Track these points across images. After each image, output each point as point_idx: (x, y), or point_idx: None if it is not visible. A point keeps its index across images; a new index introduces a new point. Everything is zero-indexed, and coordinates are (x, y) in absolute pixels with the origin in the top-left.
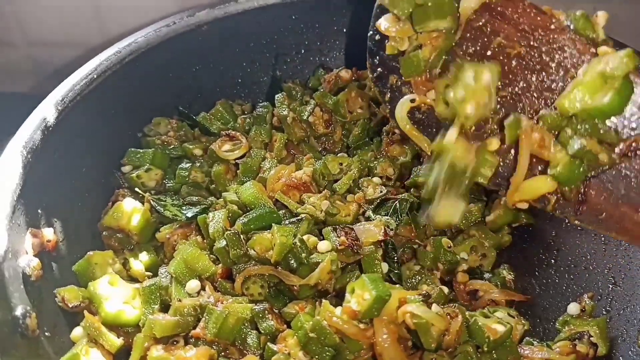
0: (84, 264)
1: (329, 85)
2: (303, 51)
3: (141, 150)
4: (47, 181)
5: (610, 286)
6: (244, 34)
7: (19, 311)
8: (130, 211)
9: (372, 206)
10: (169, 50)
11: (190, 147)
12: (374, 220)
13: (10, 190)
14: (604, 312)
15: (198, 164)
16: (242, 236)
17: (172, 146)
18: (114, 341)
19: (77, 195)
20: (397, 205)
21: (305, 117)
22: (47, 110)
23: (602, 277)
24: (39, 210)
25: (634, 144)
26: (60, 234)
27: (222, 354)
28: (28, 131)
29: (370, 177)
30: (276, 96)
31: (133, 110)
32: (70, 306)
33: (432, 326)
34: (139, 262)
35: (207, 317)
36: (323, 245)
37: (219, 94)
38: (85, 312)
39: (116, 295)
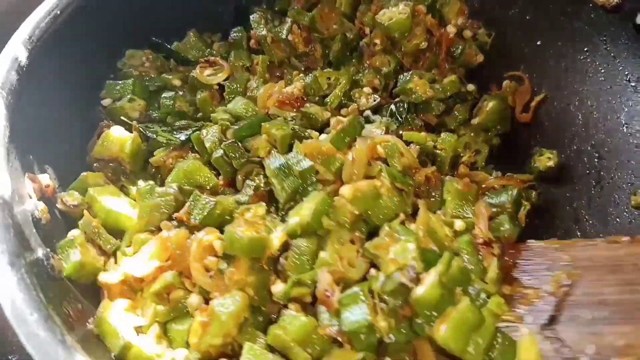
0: (79, 185)
1: (299, 3)
2: None
3: (120, 82)
4: (31, 123)
5: (596, 160)
6: None
7: (40, 253)
8: (120, 138)
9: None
10: None
11: (169, 77)
12: (374, 122)
13: (0, 132)
14: (594, 184)
15: (181, 93)
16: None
17: (149, 77)
18: (112, 241)
19: (63, 136)
20: (394, 108)
21: (284, 36)
22: (17, 50)
23: (587, 155)
24: (30, 156)
25: None
26: (55, 181)
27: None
28: (2, 72)
29: (360, 89)
30: (251, 17)
31: (105, 44)
32: (69, 204)
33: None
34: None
35: (192, 203)
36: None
37: (189, 25)
38: (85, 212)
39: (114, 201)
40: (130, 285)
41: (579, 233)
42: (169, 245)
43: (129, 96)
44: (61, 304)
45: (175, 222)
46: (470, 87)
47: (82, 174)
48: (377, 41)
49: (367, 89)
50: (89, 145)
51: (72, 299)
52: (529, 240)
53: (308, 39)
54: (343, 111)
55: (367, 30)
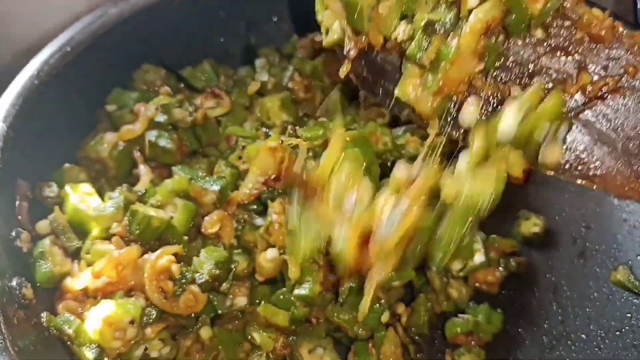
0: (59, 176)
1: (304, 51)
2: (275, 18)
3: (127, 92)
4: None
5: (583, 229)
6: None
7: (14, 282)
8: (111, 142)
9: None
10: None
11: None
12: None
13: None
14: (578, 254)
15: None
16: None
17: (155, 94)
18: (74, 239)
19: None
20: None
21: (284, 84)
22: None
23: (575, 223)
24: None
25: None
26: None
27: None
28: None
29: None
30: (256, 61)
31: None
32: (45, 195)
33: None
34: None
35: (129, 217)
36: None
37: (201, 56)
38: (56, 207)
39: (87, 202)
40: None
41: (554, 304)
42: (119, 265)
43: (132, 107)
44: (24, 331)
45: None
46: None
47: (65, 164)
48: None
49: None
50: (82, 142)
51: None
52: None
53: (308, 86)
54: None
55: None
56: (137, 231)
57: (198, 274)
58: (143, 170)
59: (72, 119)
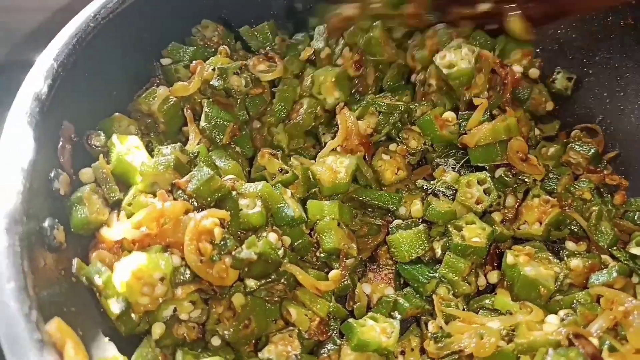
0: (108, 124)
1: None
2: None
3: (184, 46)
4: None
5: None
6: None
7: (47, 222)
8: (163, 96)
9: None
10: None
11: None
12: None
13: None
14: None
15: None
16: None
17: (211, 50)
18: (116, 190)
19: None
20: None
21: (334, 61)
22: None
23: None
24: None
25: None
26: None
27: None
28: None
29: (410, 128)
30: (316, 28)
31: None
32: (92, 144)
33: None
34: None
35: (195, 172)
36: None
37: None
38: (100, 156)
39: (132, 153)
40: (123, 244)
41: None
42: (161, 218)
43: (186, 62)
44: (50, 274)
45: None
46: (536, 131)
47: (115, 114)
48: (433, 82)
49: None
50: (135, 95)
51: (67, 269)
52: None
53: (359, 62)
54: (392, 146)
55: (419, 66)
56: (194, 186)
57: (240, 249)
58: (192, 130)
59: (126, 68)
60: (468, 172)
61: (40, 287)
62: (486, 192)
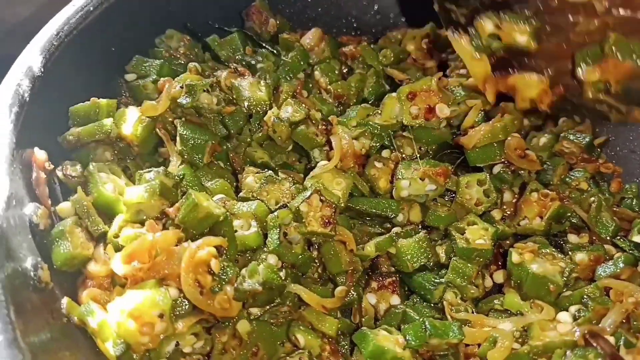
0: (84, 150)
1: None
2: None
3: (149, 60)
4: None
5: None
6: None
7: (29, 262)
8: (135, 119)
9: None
10: None
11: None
12: None
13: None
14: None
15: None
16: None
17: (178, 62)
18: (99, 222)
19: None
20: None
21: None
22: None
23: None
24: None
25: None
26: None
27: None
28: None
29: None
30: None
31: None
32: (68, 174)
33: None
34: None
35: (184, 199)
36: None
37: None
38: (79, 188)
39: (115, 182)
40: (114, 279)
41: None
42: (152, 250)
43: (154, 77)
44: (39, 318)
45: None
46: (525, 121)
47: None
48: None
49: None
50: None
51: (56, 309)
52: None
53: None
54: (384, 152)
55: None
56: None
57: (242, 279)
58: (172, 150)
59: (93, 87)
60: (464, 173)
61: (31, 335)
62: (485, 193)
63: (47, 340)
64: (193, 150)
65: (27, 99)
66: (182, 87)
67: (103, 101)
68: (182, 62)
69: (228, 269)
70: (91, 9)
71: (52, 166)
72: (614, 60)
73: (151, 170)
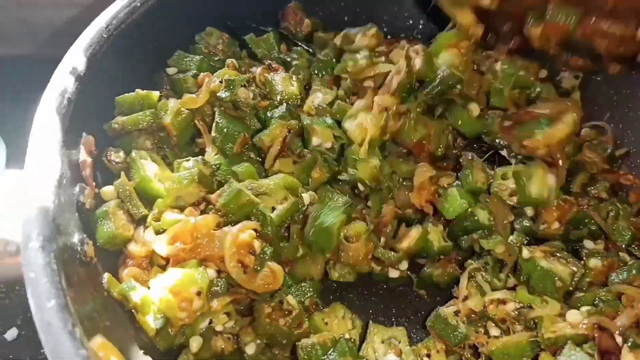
0: (127, 138)
1: None
2: None
3: (190, 55)
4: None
5: None
6: None
7: (76, 238)
8: (174, 109)
9: None
10: None
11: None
12: None
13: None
14: None
15: None
16: None
17: (216, 58)
18: (140, 206)
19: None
20: None
21: None
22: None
23: None
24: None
25: None
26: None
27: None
28: (77, 54)
29: None
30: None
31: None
32: (112, 160)
33: None
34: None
35: (226, 187)
36: None
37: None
38: (122, 173)
39: (153, 168)
40: (152, 259)
41: None
42: (194, 232)
43: (194, 71)
44: (84, 290)
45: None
46: None
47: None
48: None
49: None
50: None
51: (98, 283)
52: None
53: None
54: None
55: None
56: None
57: None
58: (209, 141)
59: (137, 79)
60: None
61: (78, 303)
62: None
63: (91, 310)
64: (226, 139)
65: (78, 88)
66: (221, 82)
67: (146, 92)
68: (220, 58)
69: (266, 249)
70: (138, 4)
71: (97, 151)
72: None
73: (189, 159)
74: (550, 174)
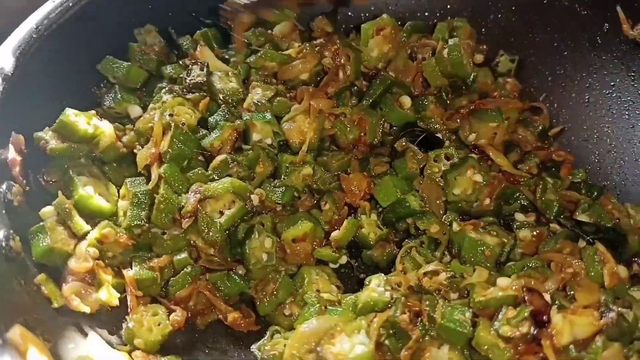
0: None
1: None
2: None
3: (119, 61)
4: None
5: None
6: None
7: (1, 234)
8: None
9: None
10: None
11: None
12: None
13: None
14: None
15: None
16: None
17: (149, 58)
18: (82, 225)
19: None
20: None
21: None
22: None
23: None
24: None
25: None
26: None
27: None
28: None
29: None
30: None
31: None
32: (48, 180)
33: None
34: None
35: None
36: None
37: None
38: (59, 193)
39: (92, 187)
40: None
41: None
42: None
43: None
44: (8, 283)
45: None
46: None
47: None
48: None
49: None
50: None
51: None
52: None
53: None
54: None
55: None
56: None
57: None
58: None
59: (68, 82)
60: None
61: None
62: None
63: (15, 304)
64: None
65: (5, 89)
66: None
67: (74, 122)
68: (154, 58)
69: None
70: (70, 4)
71: (27, 150)
72: None
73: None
74: (478, 174)
